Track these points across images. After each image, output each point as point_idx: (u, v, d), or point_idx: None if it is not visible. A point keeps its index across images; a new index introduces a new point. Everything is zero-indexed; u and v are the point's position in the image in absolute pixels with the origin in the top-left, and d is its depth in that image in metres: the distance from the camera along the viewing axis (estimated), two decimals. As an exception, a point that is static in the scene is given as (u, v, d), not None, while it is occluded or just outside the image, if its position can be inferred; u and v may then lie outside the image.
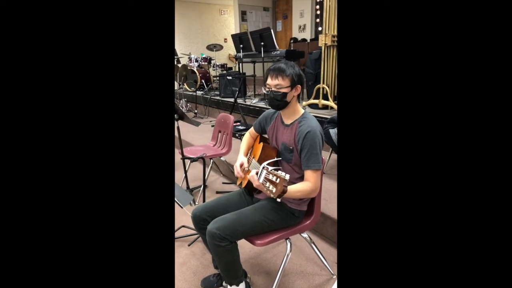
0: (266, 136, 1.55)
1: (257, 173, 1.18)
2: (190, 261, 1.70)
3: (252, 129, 1.58)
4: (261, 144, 1.44)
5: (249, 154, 1.54)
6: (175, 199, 1.25)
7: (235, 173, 1.39)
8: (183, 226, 1.93)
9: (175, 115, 2.35)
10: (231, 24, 8.64)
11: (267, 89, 1.29)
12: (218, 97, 4.89)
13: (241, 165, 1.39)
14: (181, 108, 2.30)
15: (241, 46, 4.13)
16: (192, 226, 1.88)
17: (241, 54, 4.22)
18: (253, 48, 4.07)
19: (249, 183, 1.31)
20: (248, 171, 1.34)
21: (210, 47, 6.00)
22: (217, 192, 2.62)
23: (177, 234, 1.91)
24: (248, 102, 4.25)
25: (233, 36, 4.47)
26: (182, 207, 1.40)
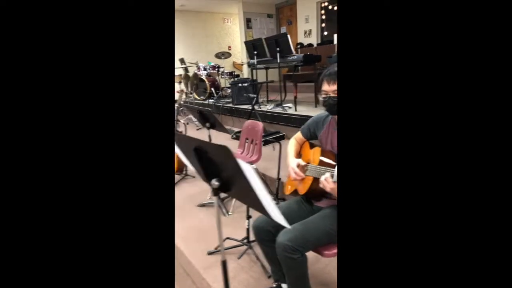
0: (313, 142, 1.50)
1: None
2: (240, 275, 1.62)
3: (299, 135, 1.54)
4: (318, 148, 1.39)
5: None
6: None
7: (292, 175, 1.33)
8: (228, 238, 1.86)
9: (207, 124, 2.30)
10: (234, 32, 8.68)
11: (323, 96, 1.25)
12: (230, 105, 4.86)
13: (298, 166, 1.34)
14: (213, 116, 2.25)
15: (255, 52, 4.11)
16: (237, 238, 1.85)
17: (255, 61, 4.20)
18: (267, 54, 4.05)
19: (312, 189, 1.26)
20: (306, 177, 1.29)
21: (218, 55, 6.00)
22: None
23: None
24: (263, 108, 4.21)
25: (246, 43, 4.46)
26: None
